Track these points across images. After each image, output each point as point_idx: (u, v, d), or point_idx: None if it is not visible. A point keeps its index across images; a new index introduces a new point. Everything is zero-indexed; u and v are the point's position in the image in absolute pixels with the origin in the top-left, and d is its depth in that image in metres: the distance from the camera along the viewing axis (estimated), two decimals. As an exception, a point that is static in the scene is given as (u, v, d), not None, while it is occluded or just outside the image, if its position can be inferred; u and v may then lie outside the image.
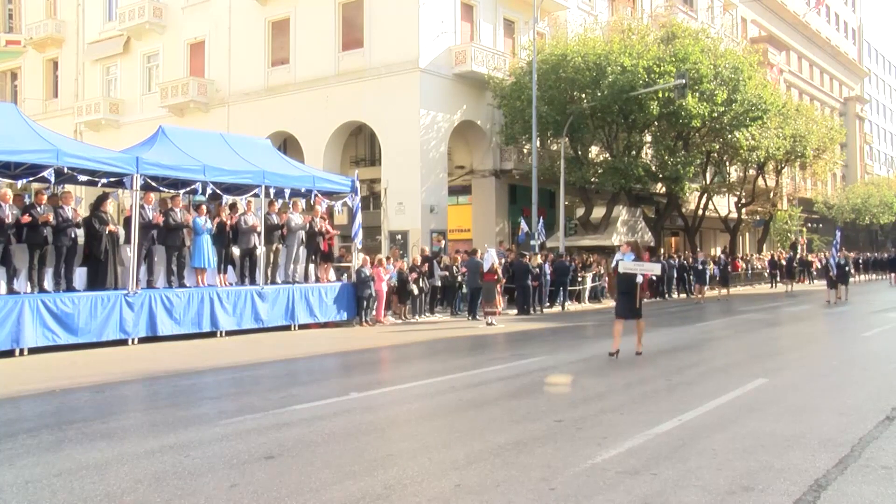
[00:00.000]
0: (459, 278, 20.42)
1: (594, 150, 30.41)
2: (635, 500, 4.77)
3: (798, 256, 41.78)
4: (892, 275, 38.74)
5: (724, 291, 29.09)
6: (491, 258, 18.92)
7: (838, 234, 27.04)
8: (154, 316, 13.63)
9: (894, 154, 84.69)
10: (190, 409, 7.83)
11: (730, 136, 30.04)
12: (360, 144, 31.48)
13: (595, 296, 26.39)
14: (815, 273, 40.00)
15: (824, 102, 59.04)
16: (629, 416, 7.26)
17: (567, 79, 26.19)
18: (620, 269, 11.21)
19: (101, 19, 36.28)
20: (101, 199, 13.85)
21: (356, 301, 17.57)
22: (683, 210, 36.48)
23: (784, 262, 35.11)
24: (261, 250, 16.01)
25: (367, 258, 18.27)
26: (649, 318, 20.18)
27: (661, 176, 29.28)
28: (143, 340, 13.45)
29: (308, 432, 6.65)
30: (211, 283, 15.41)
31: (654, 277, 14.85)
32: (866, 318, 19.17)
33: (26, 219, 12.28)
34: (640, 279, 11.07)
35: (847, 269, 26.52)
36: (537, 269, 21.84)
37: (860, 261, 43.30)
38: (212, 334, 14.61)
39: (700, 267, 27.74)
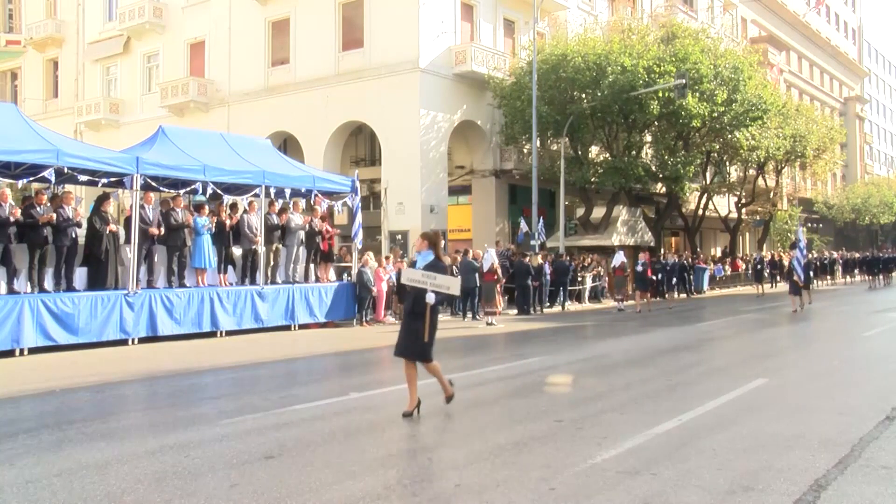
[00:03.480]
0: (459, 278, 20.41)
1: (594, 150, 30.41)
2: (635, 500, 4.77)
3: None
4: (870, 277, 36.99)
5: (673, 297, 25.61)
6: (490, 258, 18.95)
7: (800, 231, 23.31)
8: (154, 316, 13.63)
9: (894, 154, 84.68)
10: (190, 409, 7.83)
11: (730, 136, 30.06)
12: (360, 144, 31.48)
13: (595, 296, 26.41)
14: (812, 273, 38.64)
15: (824, 102, 59.04)
16: (629, 416, 7.26)
17: (567, 79, 26.20)
18: (403, 279, 7.46)
19: (101, 19, 36.27)
20: (102, 199, 13.86)
21: (356, 301, 17.57)
22: (683, 210, 36.48)
23: (761, 264, 32.17)
24: (261, 250, 16.02)
25: (368, 257, 18.10)
26: (648, 318, 20.30)
27: (661, 176, 29.29)
28: (143, 340, 13.44)
29: (308, 432, 6.65)
30: (211, 283, 15.42)
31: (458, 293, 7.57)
32: (866, 318, 19.16)
33: (15, 212, 12.27)
34: (431, 298, 7.12)
35: (810, 271, 24.06)
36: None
37: (829, 261, 41.26)
38: (212, 334, 14.61)
39: (640, 269, 22.65)
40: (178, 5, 32.88)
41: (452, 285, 7.34)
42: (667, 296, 25.72)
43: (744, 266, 38.92)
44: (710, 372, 10.44)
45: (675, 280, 26.35)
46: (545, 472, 5.35)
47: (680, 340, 14.47)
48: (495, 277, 18.72)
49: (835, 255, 43.70)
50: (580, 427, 6.76)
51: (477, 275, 18.92)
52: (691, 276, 31.06)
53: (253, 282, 15.92)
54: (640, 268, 22.48)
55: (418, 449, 6.13)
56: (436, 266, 7.35)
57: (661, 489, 4.97)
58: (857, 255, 44.89)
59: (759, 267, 31.70)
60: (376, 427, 6.99)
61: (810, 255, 24.75)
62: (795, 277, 20.90)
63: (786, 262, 33.46)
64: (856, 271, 42.58)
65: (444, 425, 7.22)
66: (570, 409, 7.64)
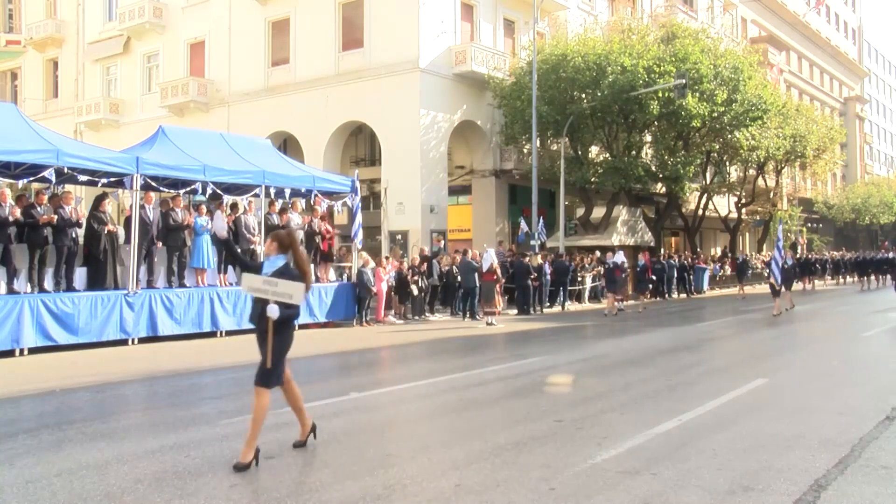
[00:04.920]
0: (459, 278, 20.43)
1: (594, 150, 30.42)
2: (635, 500, 4.77)
3: (798, 257, 41.52)
4: (861, 278, 36.06)
5: (641, 299, 23.21)
6: (490, 258, 18.94)
7: (780, 230, 21.54)
8: (154, 316, 13.63)
9: (894, 154, 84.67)
10: (190, 409, 7.83)
11: (730, 136, 30.06)
12: (360, 144, 31.48)
13: (595, 296, 26.38)
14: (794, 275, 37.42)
15: (824, 102, 59.03)
16: (629, 416, 7.26)
17: (567, 79, 26.20)
18: (243, 286, 6.05)
19: (101, 19, 36.27)
20: (100, 199, 13.86)
21: (356, 301, 17.57)
22: (683, 210, 36.47)
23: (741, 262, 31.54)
24: (260, 250, 16.00)
25: (367, 258, 18.19)
26: (647, 318, 20.29)
27: (661, 176, 29.29)
28: (143, 340, 13.44)
29: (308, 432, 6.64)
30: (211, 283, 15.42)
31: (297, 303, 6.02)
32: (866, 318, 19.16)
33: (15, 212, 12.25)
34: (272, 311, 5.62)
35: (795, 271, 23.01)
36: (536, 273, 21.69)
37: (822, 262, 40.13)
38: (212, 334, 14.61)
39: (610, 266, 21.32)
40: (178, 5, 32.87)
41: (295, 293, 5.62)
42: (641, 297, 23.70)
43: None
44: (709, 372, 10.44)
45: (650, 285, 24.43)
46: (545, 472, 5.35)
47: (680, 340, 14.47)
48: (495, 277, 18.72)
49: (832, 255, 43.51)
50: (580, 427, 6.76)
51: (476, 275, 18.93)
52: (691, 276, 31.07)
53: (253, 282, 15.88)
54: (610, 265, 21.43)
55: (418, 449, 6.13)
56: (286, 272, 5.74)
57: (661, 489, 4.98)
58: (847, 255, 44.48)
59: (745, 266, 31.65)
60: (376, 427, 7.00)
61: (807, 255, 24.11)
62: (771, 280, 19.58)
63: (739, 263, 32.67)
64: (847, 271, 41.68)
65: (445, 425, 7.22)
66: (570, 409, 7.64)
